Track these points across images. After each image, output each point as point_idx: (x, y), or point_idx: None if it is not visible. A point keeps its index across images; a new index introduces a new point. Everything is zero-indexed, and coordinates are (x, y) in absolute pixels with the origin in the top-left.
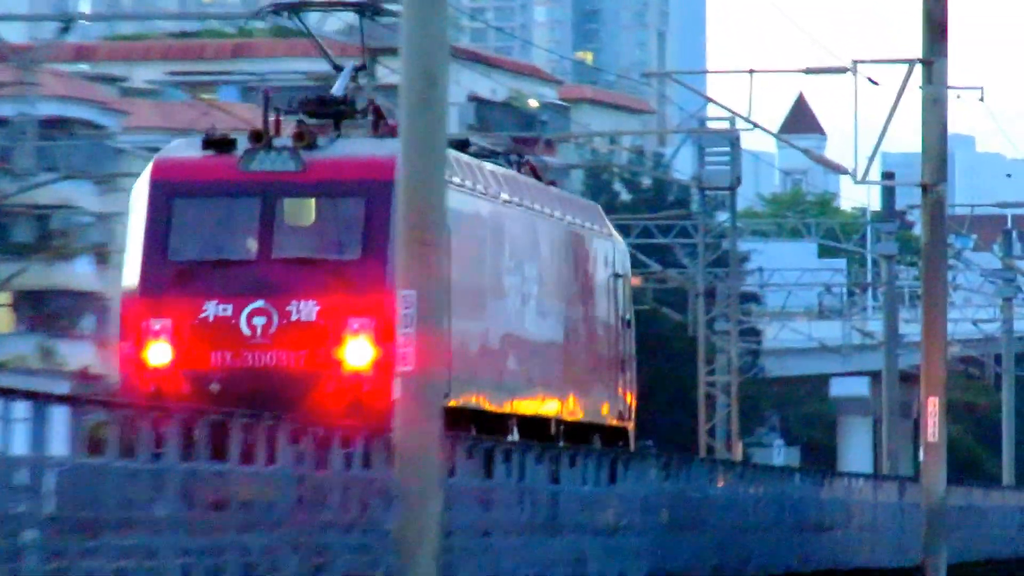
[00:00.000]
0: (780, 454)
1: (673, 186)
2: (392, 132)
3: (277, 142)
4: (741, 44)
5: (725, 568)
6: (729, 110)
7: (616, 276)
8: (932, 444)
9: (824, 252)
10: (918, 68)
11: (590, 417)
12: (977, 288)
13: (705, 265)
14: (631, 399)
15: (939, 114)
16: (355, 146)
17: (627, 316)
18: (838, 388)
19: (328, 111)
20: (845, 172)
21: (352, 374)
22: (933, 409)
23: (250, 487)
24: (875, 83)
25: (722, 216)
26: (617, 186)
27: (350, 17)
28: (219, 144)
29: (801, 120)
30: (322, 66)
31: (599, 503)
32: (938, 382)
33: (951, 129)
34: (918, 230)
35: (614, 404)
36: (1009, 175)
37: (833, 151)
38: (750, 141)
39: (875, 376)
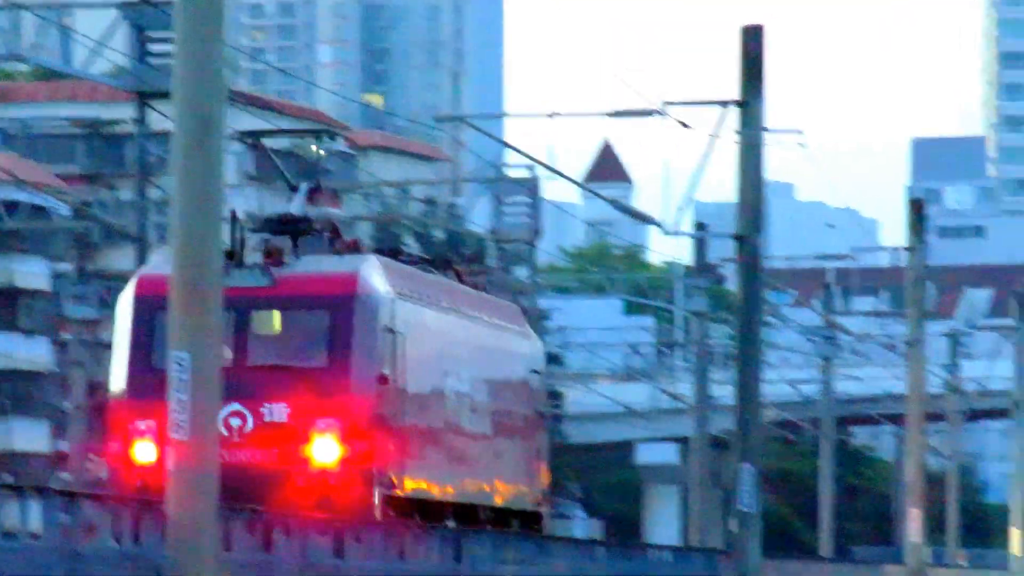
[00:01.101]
0: (582, 526)
1: (468, 239)
2: (349, 248)
3: (248, 259)
4: (543, 86)
5: None
6: (529, 156)
7: (534, 372)
8: (746, 514)
9: (631, 309)
10: (733, 110)
11: (513, 503)
12: (795, 347)
13: None
14: (544, 485)
15: (755, 160)
16: (319, 263)
17: (541, 409)
18: (645, 455)
19: (288, 229)
20: (654, 223)
21: (320, 470)
22: (747, 476)
23: None
24: (687, 126)
25: (521, 271)
26: (408, 239)
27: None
28: None
29: (607, 168)
30: (87, 111)
31: None
32: (752, 448)
33: (769, 176)
34: (732, 285)
35: (532, 491)
36: (832, 225)
37: (642, 201)
38: (552, 191)
39: (684, 442)
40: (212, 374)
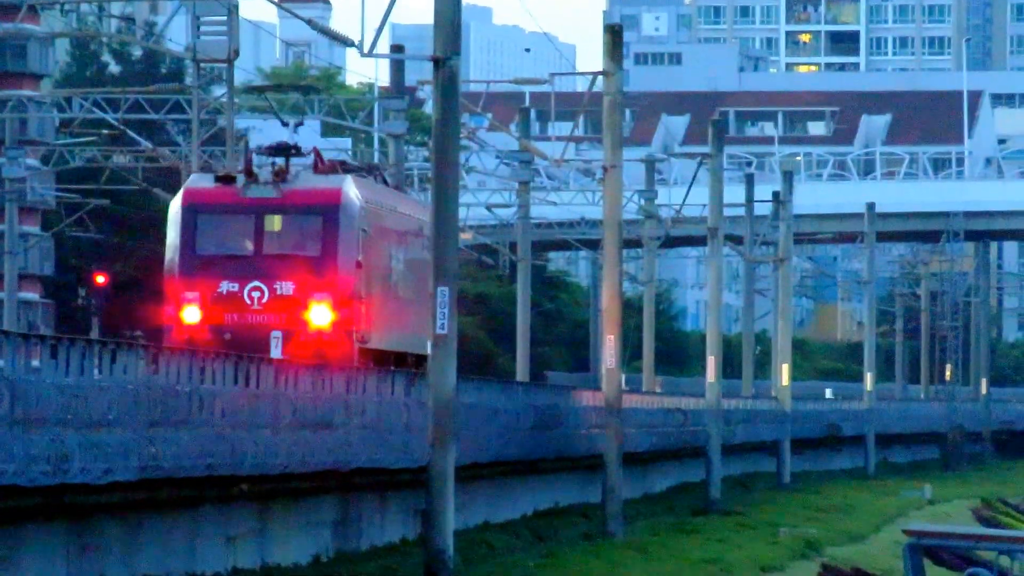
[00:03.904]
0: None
1: (166, 58)
2: (330, 169)
3: (262, 177)
4: None
5: (218, 465)
6: None
7: None
8: (440, 336)
9: (328, 131)
10: None
11: (425, 350)
12: (492, 171)
13: (200, 143)
14: None
15: None
16: (313, 180)
17: None
18: None
19: (283, 153)
20: (351, 44)
21: (316, 330)
22: (443, 299)
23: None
24: None
25: (219, 91)
26: (106, 57)
27: None
28: (225, 179)
29: None
30: None
31: (81, 396)
32: (448, 271)
33: (467, 0)
34: (430, 108)
35: None
36: (528, 50)
37: (339, 22)
38: (249, 10)
39: None
40: None
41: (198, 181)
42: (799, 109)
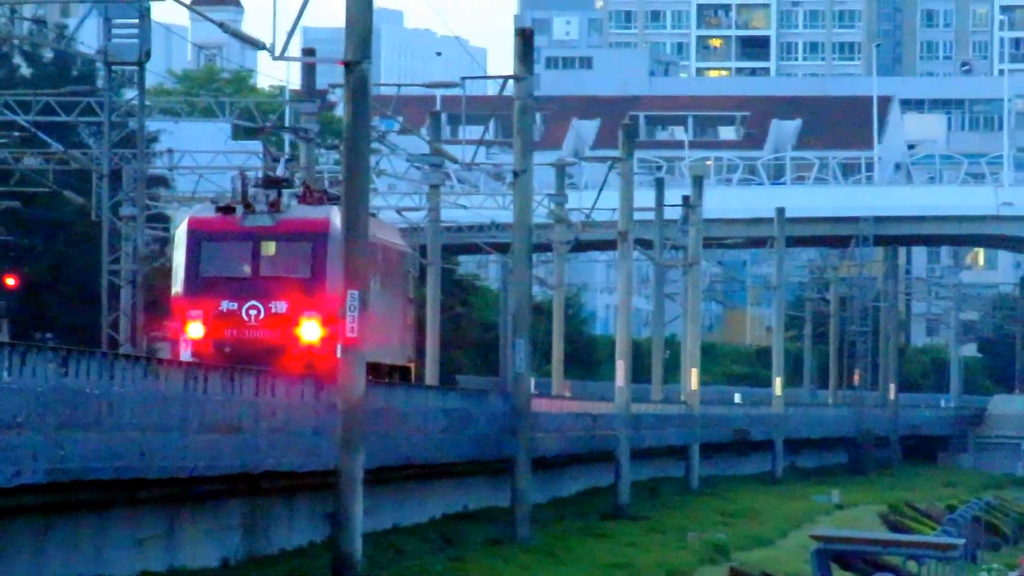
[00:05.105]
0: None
1: (77, 60)
2: (317, 200)
3: (258, 208)
4: None
5: (127, 469)
6: None
7: (409, 272)
8: (350, 340)
9: (239, 133)
10: None
11: (397, 361)
12: (403, 174)
13: (111, 146)
14: (413, 349)
15: None
16: (304, 211)
17: (413, 297)
18: None
19: (276, 185)
20: (263, 47)
21: (307, 345)
22: (352, 302)
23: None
24: None
25: (130, 93)
26: (17, 59)
27: None
28: (225, 209)
29: None
30: None
31: None
32: (358, 275)
33: (378, 3)
34: (341, 111)
35: (406, 353)
36: (439, 53)
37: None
38: (161, 13)
39: None
40: None
41: (201, 211)
42: (709, 114)
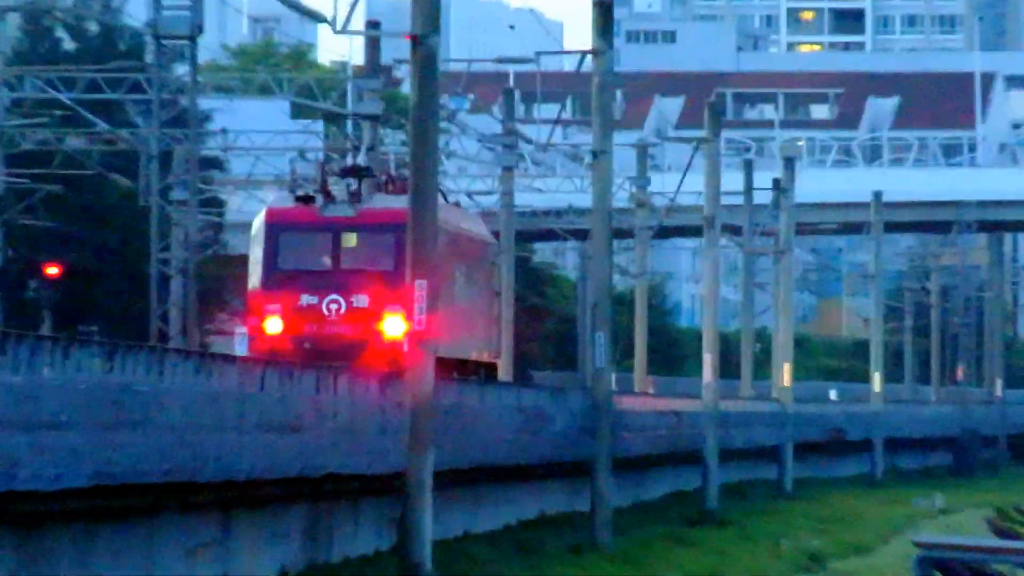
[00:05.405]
0: (243, 343)
1: (124, 33)
2: (399, 190)
3: (338, 197)
4: None
5: (178, 471)
6: None
7: (492, 263)
8: (418, 333)
9: (298, 112)
10: None
11: (483, 357)
12: (474, 156)
13: (160, 125)
14: (498, 344)
15: None
16: (385, 200)
17: (498, 289)
18: None
19: (356, 174)
20: (324, 20)
21: (390, 340)
22: (421, 292)
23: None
24: None
25: (181, 69)
26: (60, 32)
27: None
28: (304, 199)
29: None
30: None
31: (31, 395)
32: (428, 263)
33: None
34: (407, 88)
35: (491, 348)
36: (512, 26)
37: None
38: None
39: None
40: None
41: (279, 201)
42: (801, 91)
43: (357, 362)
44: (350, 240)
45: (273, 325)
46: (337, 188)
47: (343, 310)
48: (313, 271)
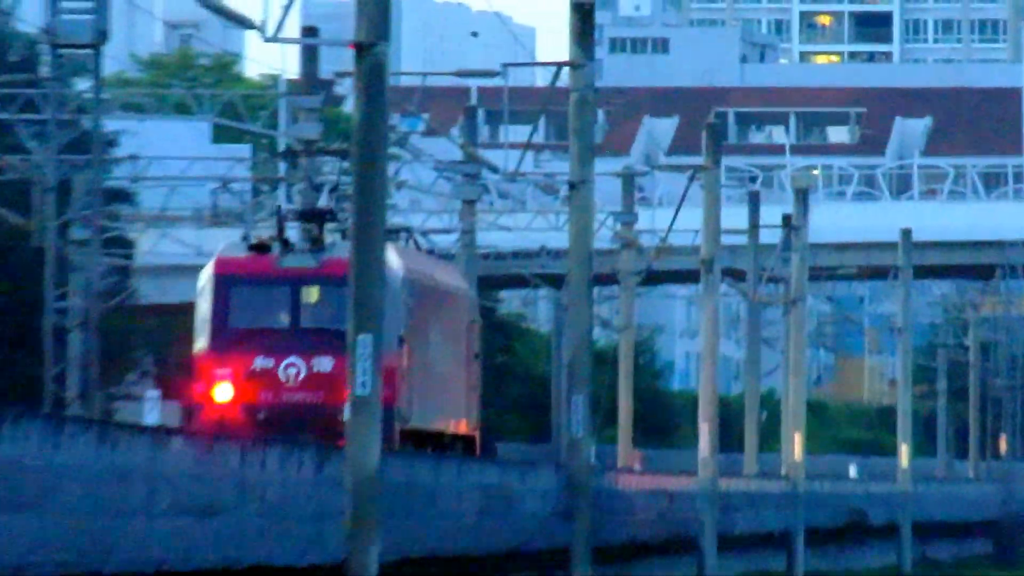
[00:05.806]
0: (154, 409)
1: (16, 41)
2: None
3: (298, 246)
4: None
5: (76, 563)
6: None
7: (473, 322)
8: (361, 398)
9: (221, 135)
10: None
11: (465, 430)
12: (429, 187)
13: (58, 150)
14: (477, 415)
15: None
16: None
17: (478, 351)
18: None
19: (317, 219)
20: (252, 26)
21: None
22: (364, 351)
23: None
24: None
25: (82, 84)
26: None
27: None
28: (258, 247)
29: None
30: None
31: None
32: (372, 315)
33: None
34: (350, 106)
35: (471, 420)
36: (475, 33)
37: None
38: None
39: None
40: None
41: (230, 250)
42: (816, 110)
43: (318, 435)
44: (311, 295)
45: (223, 392)
46: (294, 234)
47: (303, 375)
48: (269, 330)
